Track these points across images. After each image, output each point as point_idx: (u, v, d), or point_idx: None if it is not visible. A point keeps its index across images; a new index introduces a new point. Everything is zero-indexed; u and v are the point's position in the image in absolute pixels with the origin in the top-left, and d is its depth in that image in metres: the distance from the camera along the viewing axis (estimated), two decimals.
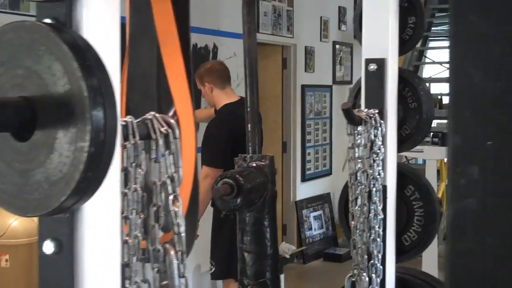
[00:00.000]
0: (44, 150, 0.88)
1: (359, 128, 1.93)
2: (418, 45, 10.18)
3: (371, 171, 1.93)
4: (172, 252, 1.13)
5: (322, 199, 7.73)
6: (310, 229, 7.38)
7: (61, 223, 0.95)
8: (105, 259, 1.00)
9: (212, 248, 4.48)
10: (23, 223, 5.82)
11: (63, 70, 0.86)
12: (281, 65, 7.24)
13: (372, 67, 2.02)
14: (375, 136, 1.94)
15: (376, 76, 2.00)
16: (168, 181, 1.14)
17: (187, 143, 1.17)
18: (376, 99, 1.99)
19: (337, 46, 8.01)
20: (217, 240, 4.42)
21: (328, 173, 7.96)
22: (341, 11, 8.09)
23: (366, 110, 1.97)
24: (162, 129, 1.13)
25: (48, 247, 0.95)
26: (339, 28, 8.08)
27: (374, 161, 1.95)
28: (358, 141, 1.94)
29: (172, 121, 1.14)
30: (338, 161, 8.22)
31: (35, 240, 5.21)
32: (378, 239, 1.95)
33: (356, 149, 1.92)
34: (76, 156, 0.85)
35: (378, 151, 1.95)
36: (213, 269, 4.46)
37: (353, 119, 1.86)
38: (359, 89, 2.16)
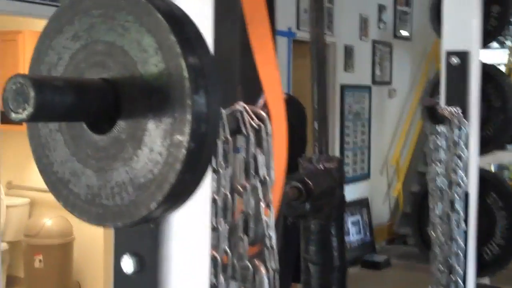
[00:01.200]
0: (129, 145, 0.71)
1: (441, 128, 1.74)
2: None
3: (454, 176, 1.74)
4: (263, 270, 0.95)
5: (360, 204, 7.52)
6: (348, 234, 7.17)
7: (144, 235, 0.78)
8: (192, 279, 0.83)
9: None
10: (57, 223, 5.70)
11: (157, 45, 0.69)
12: None
13: (455, 60, 1.83)
14: (458, 137, 1.75)
15: (459, 70, 1.81)
16: (259, 185, 0.96)
17: (278, 140, 1.00)
18: (458, 96, 1.79)
19: (376, 45, 7.79)
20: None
21: (366, 176, 7.74)
22: (381, 9, 7.87)
23: (448, 108, 1.78)
24: (254, 123, 0.95)
25: (127, 264, 0.78)
26: (379, 27, 7.86)
27: (456, 164, 1.76)
28: (438, 143, 1.75)
29: (263, 114, 0.96)
30: (377, 164, 8.01)
31: (70, 240, 5.09)
32: (460, 253, 1.75)
33: (438, 152, 1.73)
34: (172, 152, 0.68)
35: (461, 154, 1.76)
36: None
37: (436, 118, 1.67)
38: (435, 85, 1.97)
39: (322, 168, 1.85)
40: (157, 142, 0.69)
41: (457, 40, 1.86)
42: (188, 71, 0.67)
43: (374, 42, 7.75)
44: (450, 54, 1.86)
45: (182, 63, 0.67)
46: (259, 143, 0.95)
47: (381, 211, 8.17)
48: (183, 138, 0.67)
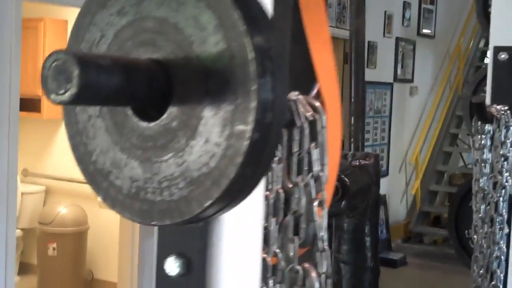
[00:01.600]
0: (181, 134, 0.63)
1: (487, 126, 1.65)
2: (481, 45, 9.77)
3: (499, 177, 1.65)
4: (314, 275, 0.87)
5: None
6: None
7: (192, 235, 0.70)
8: (242, 284, 0.75)
9: None
10: (72, 211, 5.65)
11: (217, 22, 0.61)
12: (342, 60, 6.94)
13: (503, 56, 1.73)
14: (505, 136, 1.66)
15: (507, 66, 1.72)
16: (312, 182, 0.88)
17: (333, 133, 0.92)
18: (506, 93, 1.70)
19: (400, 43, 7.67)
20: None
21: (385, 174, 7.64)
22: (406, 6, 7.75)
23: (495, 106, 1.69)
24: (308, 115, 0.87)
25: (172, 266, 0.70)
26: (403, 24, 7.74)
27: (501, 166, 1.67)
28: (484, 142, 1.66)
29: (318, 104, 0.88)
30: (395, 162, 7.90)
31: (84, 229, 5.03)
32: (502, 257, 1.67)
33: (482, 152, 1.64)
34: (232, 144, 0.60)
35: (508, 154, 1.67)
36: None
37: (484, 116, 1.58)
38: (480, 81, 1.88)
39: (357, 164, 1.77)
40: (214, 132, 0.61)
41: (506, 35, 1.76)
42: (254, 52, 0.59)
43: (398, 39, 7.63)
44: (498, 49, 1.77)
45: (247, 43, 0.59)
46: (313, 137, 0.87)
47: (398, 209, 8.07)
48: (246, 127, 0.59)
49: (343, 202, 1.65)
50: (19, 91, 3.61)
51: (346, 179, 1.65)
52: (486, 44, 9.91)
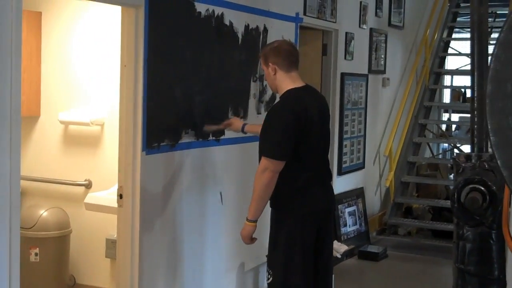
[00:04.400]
0: None
1: None
2: (444, 35, 9.85)
3: None
4: None
5: (356, 194, 7.36)
6: (345, 225, 7.01)
7: None
8: None
9: (270, 254, 3.90)
10: (54, 214, 5.33)
11: None
12: (321, 51, 6.83)
13: None
14: None
15: None
16: None
17: None
18: None
19: (374, 34, 7.61)
20: (277, 246, 3.83)
21: (361, 166, 7.59)
22: None
23: None
24: None
25: None
26: (376, 14, 7.68)
27: None
28: None
29: None
30: (370, 154, 7.86)
31: (67, 232, 4.75)
32: None
33: None
34: None
35: None
36: (271, 278, 3.83)
37: None
38: None
39: (487, 168, 1.63)
40: None
41: None
42: None
43: (372, 30, 7.57)
44: None
45: None
46: None
47: (373, 201, 8.05)
48: None
49: (490, 210, 1.51)
50: (21, 91, 3.32)
51: (493, 185, 1.51)
52: (449, 34, 10.00)
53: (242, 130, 4.49)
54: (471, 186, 1.50)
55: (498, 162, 1.31)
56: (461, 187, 1.52)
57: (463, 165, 1.65)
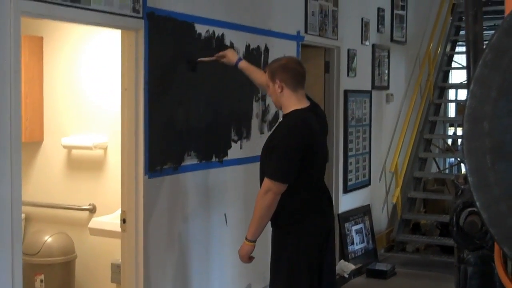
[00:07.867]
0: None
1: None
2: (448, 49, 9.82)
3: None
4: None
5: (363, 212, 7.31)
6: (352, 243, 6.95)
7: None
8: None
9: (272, 275, 3.82)
10: (58, 240, 5.29)
11: None
12: (323, 69, 6.82)
13: None
14: None
15: None
16: None
17: None
18: None
19: (376, 50, 7.59)
20: (279, 266, 3.76)
21: (367, 183, 7.54)
22: (380, 12, 7.69)
23: None
24: None
25: None
26: (378, 30, 7.67)
27: None
28: None
29: None
30: (376, 171, 7.81)
31: (72, 258, 4.71)
32: None
33: None
34: None
35: None
36: None
37: None
38: None
39: None
40: None
41: None
42: None
43: (375, 46, 7.56)
44: None
45: None
46: None
47: (380, 219, 7.99)
48: None
49: (489, 234, 1.47)
50: (21, 116, 3.32)
51: None
52: (452, 48, 9.96)
53: (236, 65, 4.34)
54: (469, 209, 1.47)
55: (477, 203, 1.29)
56: (459, 210, 1.48)
57: (461, 187, 1.61)
